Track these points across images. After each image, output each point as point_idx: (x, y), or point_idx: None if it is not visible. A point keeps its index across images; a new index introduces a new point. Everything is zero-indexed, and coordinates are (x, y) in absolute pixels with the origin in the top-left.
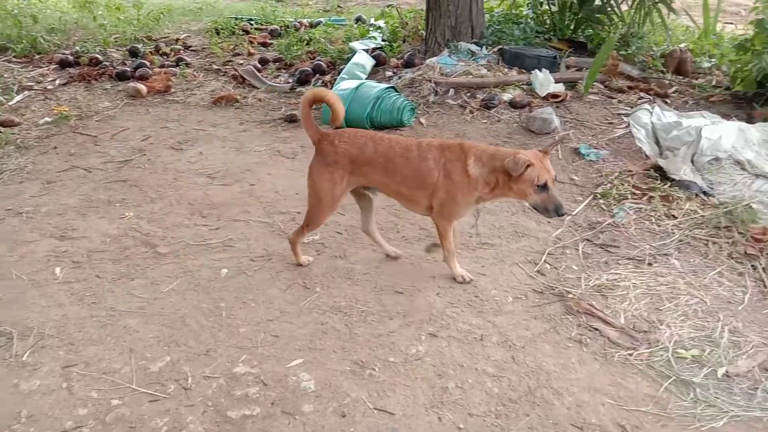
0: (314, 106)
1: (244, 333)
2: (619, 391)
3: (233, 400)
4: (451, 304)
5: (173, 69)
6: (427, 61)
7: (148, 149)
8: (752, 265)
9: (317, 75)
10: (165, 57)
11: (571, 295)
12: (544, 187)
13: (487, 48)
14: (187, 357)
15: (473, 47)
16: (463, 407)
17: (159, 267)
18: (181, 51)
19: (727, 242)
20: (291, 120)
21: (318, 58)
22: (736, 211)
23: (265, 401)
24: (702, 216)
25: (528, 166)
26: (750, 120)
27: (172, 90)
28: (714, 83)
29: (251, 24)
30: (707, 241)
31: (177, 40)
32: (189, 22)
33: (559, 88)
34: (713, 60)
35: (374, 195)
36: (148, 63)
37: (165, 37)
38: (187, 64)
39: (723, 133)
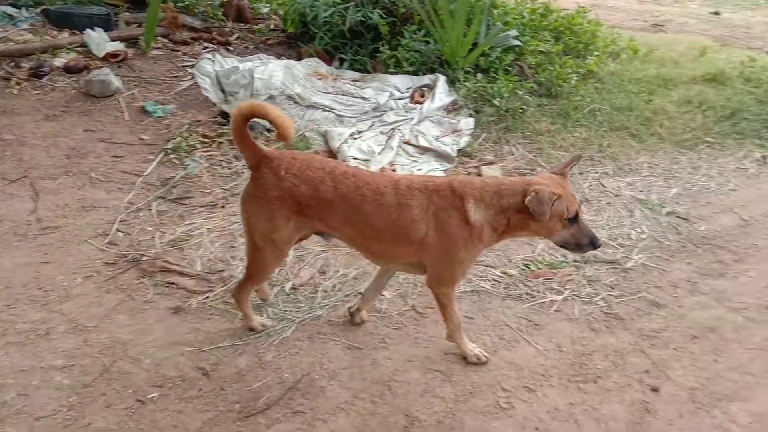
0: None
1: None
2: (198, 336)
3: None
4: (8, 307)
5: None
6: None
7: None
8: None
9: None
10: None
11: (145, 258)
12: (574, 218)
13: (28, 9)
14: None
15: (10, 10)
16: (27, 414)
17: None
18: None
19: None
20: None
21: None
22: (295, 141)
23: None
24: None
25: (555, 199)
26: (299, 57)
27: None
28: (272, 27)
29: None
30: None
31: None
32: None
33: (118, 46)
34: (269, 5)
35: (328, 241)
36: None
37: None
38: None
39: (273, 72)
